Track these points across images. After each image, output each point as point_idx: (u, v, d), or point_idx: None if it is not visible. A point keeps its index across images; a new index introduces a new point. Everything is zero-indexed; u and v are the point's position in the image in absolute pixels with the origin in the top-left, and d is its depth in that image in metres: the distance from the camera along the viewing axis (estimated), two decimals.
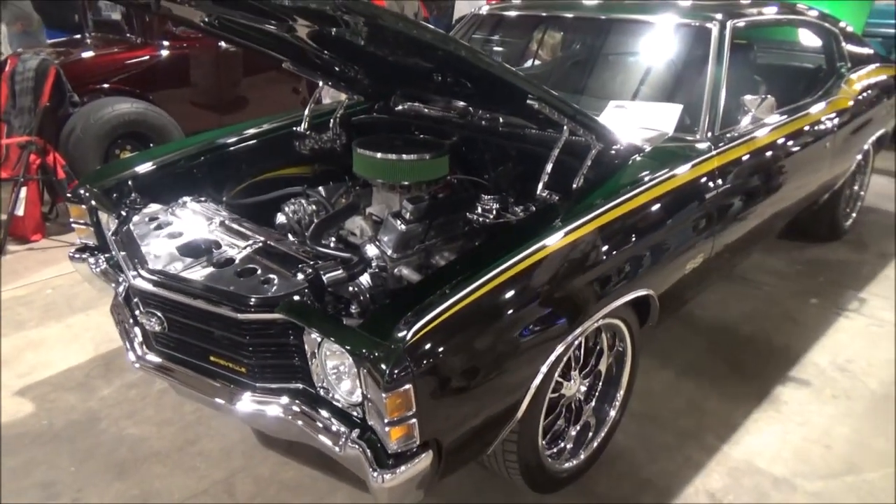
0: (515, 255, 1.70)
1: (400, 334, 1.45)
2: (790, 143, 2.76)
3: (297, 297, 1.68)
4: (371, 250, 2.14)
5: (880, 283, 3.40)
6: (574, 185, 2.07)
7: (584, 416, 2.17)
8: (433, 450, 1.54)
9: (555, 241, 1.78)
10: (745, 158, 2.45)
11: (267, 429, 1.85)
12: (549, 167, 2.06)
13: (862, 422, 2.40)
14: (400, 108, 2.90)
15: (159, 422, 2.41)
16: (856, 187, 3.93)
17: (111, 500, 2.08)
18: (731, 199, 2.39)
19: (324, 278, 1.76)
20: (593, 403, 2.19)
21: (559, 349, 1.76)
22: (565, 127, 2.05)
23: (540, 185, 2.05)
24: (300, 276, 1.74)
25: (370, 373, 1.43)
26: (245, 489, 2.12)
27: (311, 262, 1.80)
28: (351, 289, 1.86)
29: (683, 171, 2.20)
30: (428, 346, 1.47)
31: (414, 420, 1.46)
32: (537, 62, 3.60)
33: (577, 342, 1.89)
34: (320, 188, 2.51)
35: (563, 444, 2.11)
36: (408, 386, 1.42)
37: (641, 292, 2.02)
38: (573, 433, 2.13)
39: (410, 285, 1.96)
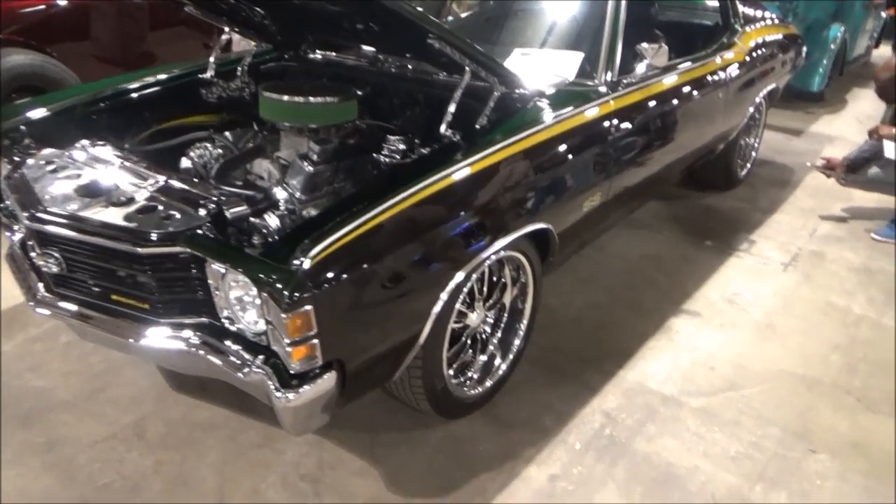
0: (414, 185, 1.76)
1: (299, 258, 1.50)
2: (684, 92, 2.92)
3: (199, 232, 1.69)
4: (280, 193, 2.15)
5: (769, 226, 3.67)
6: (477, 126, 2.15)
7: (490, 346, 2.28)
8: (336, 371, 1.60)
9: (453, 173, 1.85)
10: (640, 104, 2.59)
11: (173, 364, 1.86)
12: (451, 107, 2.11)
13: (744, 347, 2.61)
14: (311, 56, 2.89)
15: (66, 372, 2.37)
16: (750, 139, 4.18)
17: (16, 449, 2.05)
18: (627, 142, 2.52)
19: (227, 213, 1.78)
20: (499, 335, 2.30)
21: (458, 277, 1.84)
22: (467, 69, 2.11)
23: (443, 125, 2.11)
24: (202, 212, 1.75)
25: (270, 296, 1.47)
26: (156, 431, 2.12)
27: (214, 198, 1.81)
28: (258, 227, 1.89)
29: (580, 113, 2.31)
30: (327, 269, 1.52)
31: (315, 340, 1.52)
32: (451, 18, 3.65)
33: (477, 272, 1.97)
34: (227, 133, 2.49)
35: (470, 374, 2.21)
36: (308, 307, 1.47)
37: (539, 226, 2.12)
38: (479, 363, 2.24)
39: (311, 216, 1.99)
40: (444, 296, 1.82)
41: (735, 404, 2.29)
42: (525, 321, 2.33)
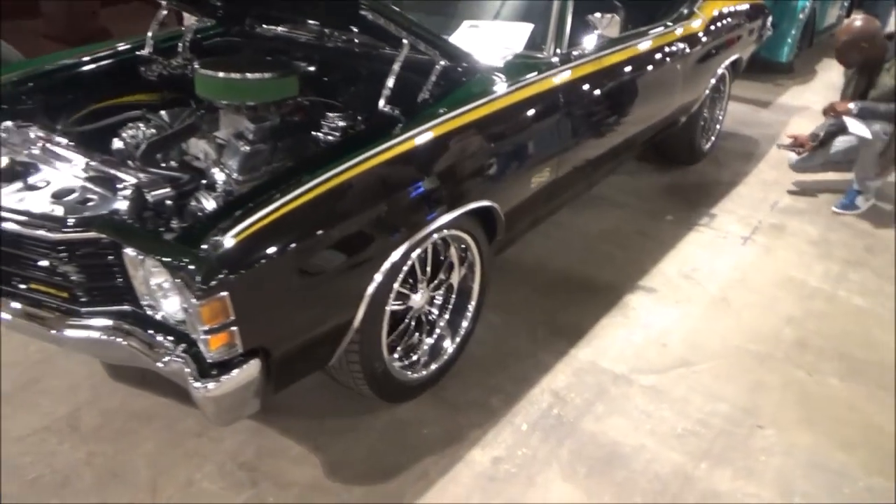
0: (347, 161, 1.69)
1: (214, 241, 1.43)
2: (639, 63, 2.85)
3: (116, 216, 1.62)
4: (217, 174, 2.09)
5: (731, 199, 3.64)
6: (419, 100, 2.08)
7: (438, 328, 2.23)
8: (261, 359, 1.54)
9: (389, 148, 1.78)
10: (591, 76, 2.52)
11: (97, 354, 1.80)
12: (390, 82, 2.04)
13: (698, 322, 2.59)
14: (259, 31, 2.80)
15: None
16: (715, 112, 4.12)
17: None
18: (577, 116, 2.45)
19: (148, 196, 1.70)
20: (447, 316, 2.25)
21: (394, 256, 1.77)
22: (405, 42, 2.04)
23: (382, 101, 2.03)
24: (121, 195, 1.67)
25: (184, 282, 1.41)
26: (91, 422, 2.06)
27: (134, 181, 1.73)
28: (186, 210, 1.81)
29: (527, 86, 2.24)
30: (246, 251, 1.45)
31: (234, 328, 1.45)
32: None
33: (417, 251, 1.91)
34: (162, 112, 2.39)
35: (417, 356, 2.16)
36: (223, 293, 1.41)
37: (482, 203, 2.06)
38: (426, 346, 2.19)
39: (233, 197, 1.91)
40: (378, 276, 1.75)
41: (685, 381, 2.27)
42: (473, 302, 2.28)
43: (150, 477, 1.89)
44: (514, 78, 2.24)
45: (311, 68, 2.49)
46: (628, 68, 2.77)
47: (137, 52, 2.64)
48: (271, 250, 1.49)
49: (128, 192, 1.68)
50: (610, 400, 2.18)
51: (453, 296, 2.26)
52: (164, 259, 1.44)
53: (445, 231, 2.02)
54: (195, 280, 1.38)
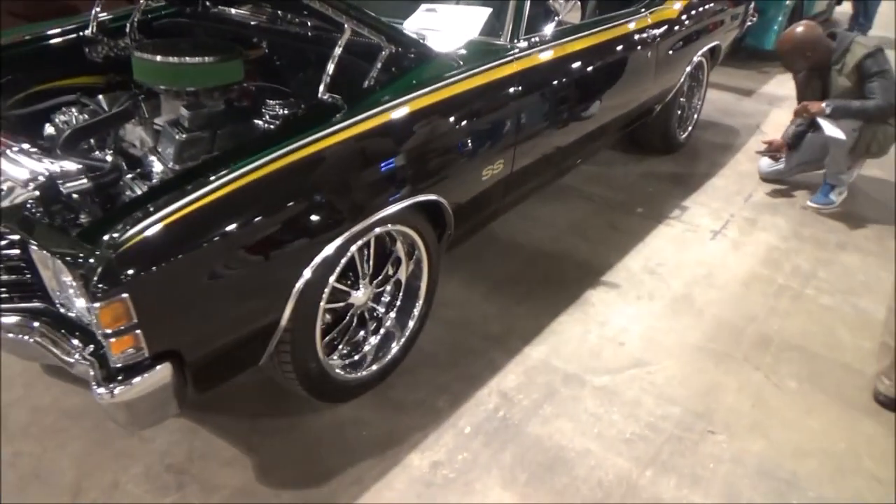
0: (276, 150, 1.60)
1: (113, 238, 1.34)
2: (604, 51, 2.75)
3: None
4: (155, 162, 2.00)
5: (705, 191, 3.55)
6: (365, 86, 1.99)
7: (386, 325, 2.16)
8: (173, 363, 1.46)
9: (323, 137, 1.69)
10: (549, 64, 2.42)
11: (10, 351, 1.70)
12: (330, 69, 1.94)
13: (658, 320, 2.51)
14: (212, 12, 2.69)
15: None
16: (693, 100, 4.02)
17: None
18: (533, 106, 2.36)
19: (62, 188, 1.61)
20: (393, 314, 2.17)
21: (327, 251, 1.69)
22: (346, 26, 1.94)
23: (322, 87, 1.94)
24: (31, 185, 1.58)
25: (83, 282, 1.32)
26: (19, 419, 1.98)
27: (49, 171, 1.63)
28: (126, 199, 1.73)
29: (479, 74, 2.14)
30: (151, 248, 1.37)
31: (138, 331, 1.37)
32: None
33: (355, 246, 1.83)
34: (100, 97, 2.29)
35: (361, 355, 2.08)
36: (124, 295, 1.33)
37: (427, 197, 1.97)
38: (370, 346, 2.11)
39: (154, 186, 1.82)
40: (307, 272, 1.67)
41: (639, 382, 2.20)
42: (420, 301, 2.19)
43: (75, 479, 1.82)
44: (468, 65, 2.14)
45: (260, 52, 2.40)
46: (592, 56, 2.67)
47: (81, 33, 2.53)
48: (179, 247, 1.40)
49: (39, 183, 1.58)
50: (559, 401, 2.11)
51: (401, 292, 2.18)
52: (62, 256, 1.35)
53: (389, 225, 1.94)
54: (92, 280, 1.30)
